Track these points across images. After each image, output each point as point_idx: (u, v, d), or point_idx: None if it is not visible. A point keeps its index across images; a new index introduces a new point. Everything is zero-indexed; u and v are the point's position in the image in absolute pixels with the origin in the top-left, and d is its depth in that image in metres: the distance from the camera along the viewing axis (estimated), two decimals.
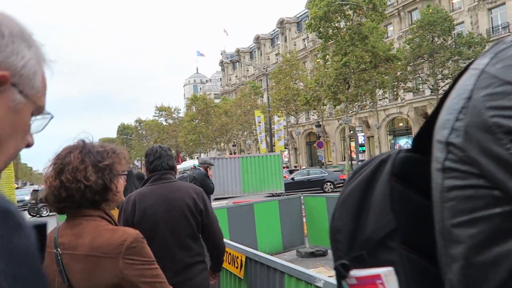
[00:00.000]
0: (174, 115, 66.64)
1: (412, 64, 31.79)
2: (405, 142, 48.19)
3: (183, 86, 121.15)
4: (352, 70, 24.90)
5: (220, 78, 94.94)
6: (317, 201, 6.49)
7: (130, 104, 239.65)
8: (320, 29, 25.43)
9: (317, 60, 33.21)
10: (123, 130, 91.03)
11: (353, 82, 26.01)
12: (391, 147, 49.02)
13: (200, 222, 2.54)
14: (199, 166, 6.13)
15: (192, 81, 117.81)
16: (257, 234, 6.00)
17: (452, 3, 38.84)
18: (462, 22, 36.33)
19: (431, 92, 34.18)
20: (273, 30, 70.47)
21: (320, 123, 29.51)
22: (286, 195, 12.12)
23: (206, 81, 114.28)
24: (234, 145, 53.46)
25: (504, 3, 34.49)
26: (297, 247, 6.54)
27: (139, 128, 77.86)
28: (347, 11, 25.00)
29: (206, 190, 5.63)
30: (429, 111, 41.77)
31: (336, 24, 25.73)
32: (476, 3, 36.15)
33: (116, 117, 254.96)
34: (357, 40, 24.49)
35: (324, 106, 33.45)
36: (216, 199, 11.33)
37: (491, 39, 31.83)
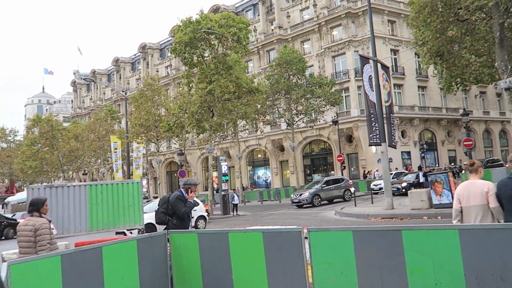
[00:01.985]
0: (9, 137, 56.93)
1: (271, 98, 33.69)
2: (263, 173, 50.62)
3: (25, 106, 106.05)
4: (217, 99, 24.77)
5: (72, 100, 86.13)
6: (187, 238, 5.35)
7: None
8: (185, 54, 24.84)
9: (181, 87, 32.44)
10: None
11: (217, 110, 25.88)
12: (250, 177, 50.85)
13: None
14: (182, 187, 6.07)
15: (37, 101, 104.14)
16: (105, 283, 4.51)
17: (304, 47, 43.20)
18: (312, 65, 40.53)
19: (287, 126, 36.59)
20: (135, 55, 67.69)
21: (183, 151, 28.41)
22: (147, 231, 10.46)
23: (54, 102, 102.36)
24: (85, 174, 47.96)
25: (344, 53, 39.79)
26: None
27: None
28: (213, 40, 25.09)
29: (175, 212, 5.87)
30: (285, 144, 45.14)
31: (201, 52, 25.51)
32: (323, 50, 40.90)
33: None
34: (222, 69, 24.61)
35: (187, 134, 32.59)
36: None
37: (336, 81, 36.07)
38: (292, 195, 28.01)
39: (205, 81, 24.84)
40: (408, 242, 3.52)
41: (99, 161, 51.72)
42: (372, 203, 21.40)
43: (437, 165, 40.52)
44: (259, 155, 50.74)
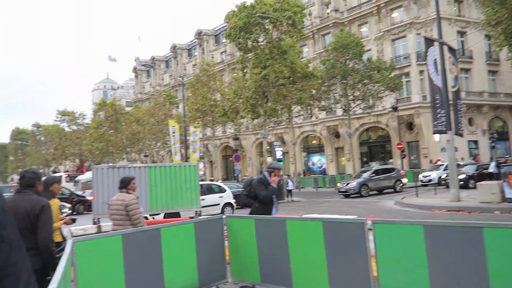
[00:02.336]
0: (79, 120, 60.97)
1: (326, 84, 32.81)
2: (318, 159, 49.88)
3: (92, 91, 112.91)
4: (271, 84, 24.55)
5: (133, 86, 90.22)
6: (244, 223, 5.27)
7: (29, 108, 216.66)
8: (240, 39, 24.78)
9: (236, 72, 32.57)
10: (18, 134, 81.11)
11: (271, 96, 25.70)
12: (305, 163, 50.37)
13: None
14: (266, 170, 5.85)
15: (102, 87, 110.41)
16: (164, 268, 4.57)
17: (361, 31, 41.44)
18: (369, 50, 38.80)
19: (344, 112, 35.57)
20: (191, 41, 69.02)
21: (238, 136, 28.65)
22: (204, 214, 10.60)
23: (118, 87, 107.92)
24: (146, 156, 50.24)
25: (405, 36, 37.63)
26: (217, 282, 5.22)
27: (37, 133, 69.81)
28: (267, 24, 24.75)
29: (256, 196, 5.60)
30: (341, 130, 44.02)
31: (256, 37, 25.31)
32: (382, 33, 38.97)
33: (10, 122, 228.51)
34: (276, 54, 24.28)
35: (242, 119, 32.81)
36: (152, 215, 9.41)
37: (396, 66, 34.29)
38: (338, 184, 27.07)
39: (259, 66, 24.68)
40: (490, 242, 3.11)
41: (159, 144, 53.91)
42: (436, 194, 20.28)
43: (508, 156, 37.47)
44: (314, 141, 50.02)
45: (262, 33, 25.00)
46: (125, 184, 5.43)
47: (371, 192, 24.66)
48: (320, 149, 49.02)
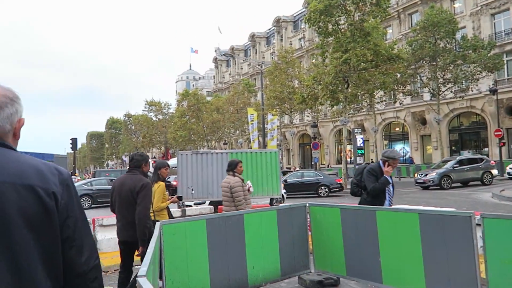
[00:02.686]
0: (164, 110, 64.81)
1: (413, 66, 30.52)
2: (401, 148, 47.15)
3: (176, 82, 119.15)
4: (352, 68, 23.48)
5: (214, 76, 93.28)
6: (329, 212, 4.98)
7: (120, 99, 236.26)
8: (320, 23, 23.97)
9: (316, 57, 31.73)
10: (112, 124, 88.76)
11: (352, 81, 24.61)
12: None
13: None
14: (380, 159, 5.32)
15: (185, 78, 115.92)
16: (247, 255, 4.48)
17: (454, 7, 37.78)
18: (464, 27, 35.25)
19: (432, 96, 32.96)
20: (269, 29, 69.07)
21: (316, 123, 28.06)
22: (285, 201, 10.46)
23: (199, 78, 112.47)
24: (225, 143, 51.84)
25: (508, 9, 33.49)
26: (300, 272, 5.02)
27: (128, 122, 75.70)
28: (349, 6, 23.58)
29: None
30: (427, 116, 40.91)
31: (337, 20, 24.30)
32: (479, 8, 35.14)
33: (106, 112, 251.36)
34: (358, 36, 23.09)
35: (321, 106, 32.03)
36: (196, 204, 9.67)
37: (497, 43, 30.76)
38: (416, 175, 24.82)
39: (340, 50, 23.71)
40: None
41: (237, 132, 55.20)
42: None
43: None
44: (397, 129, 47.36)
45: (343, 15, 23.92)
46: (232, 167, 5.59)
47: (453, 185, 22.39)
48: (403, 137, 46.26)
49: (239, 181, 5.54)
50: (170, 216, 5.43)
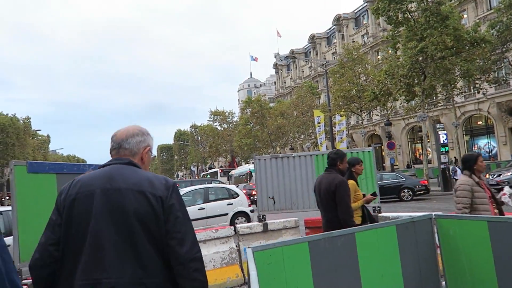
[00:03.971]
0: (228, 119, 65.44)
1: (498, 51, 27.17)
2: (485, 143, 42.65)
3: (237, 92, 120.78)
4: (430, 57, 21.26)
5: (275, 82, 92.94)
6: (467, 226, 3.70)
7: (186, 112, 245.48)
8: (390, 12, 22.11)
9: (386, 49, 29.55)
10: (180, 136, 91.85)
11: (430, 72, 22.31)
12: (468, 148, 43.56)
13: None
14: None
15: (246, 86, 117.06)
16: (362, 280, 3.39)
17: None
18: None
19: None
20: (329, 29, 67.18)
21: (389, 121, 25.93)
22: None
23: (260, 85, 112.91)
24: (291, 149, 50.75)
25: None
26: None
27: (194, 133, 77.68)
28: None
29: None
30: None
31: (408, 7, 22.25)
32: None
33: (173, 125, 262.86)
34: (435, 22, 20.85)
35: (395, 102, 29.71)
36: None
37: None
38: (488, 175, 20.69)
39: (414, 39, 21.62)
40: None
41: (302, 136, 53.88)
42: None
43: None
44: (480, 122, 42.99)
45: (415, 1, 21.84)
46: (469, 164, 4.48)
47: None
48: (488, 131, 41.83)
49: (466, 183, 4.34)
50: (365, 218, 4.70)
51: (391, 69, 22.89)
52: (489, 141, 42.18)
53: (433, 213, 3.91)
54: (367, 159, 7.55)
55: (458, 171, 22.37)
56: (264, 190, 7.20)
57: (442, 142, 22.52)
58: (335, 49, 62.88)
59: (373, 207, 6.95)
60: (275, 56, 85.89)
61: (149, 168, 1.98)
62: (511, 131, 39.13)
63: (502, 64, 29.89)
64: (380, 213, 5.68)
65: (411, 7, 22.65)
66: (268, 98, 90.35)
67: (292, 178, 7.19)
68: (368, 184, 7.34)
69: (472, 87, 34.96)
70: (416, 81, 22.22)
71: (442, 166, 22.46)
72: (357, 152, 7.70)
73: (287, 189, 7.24)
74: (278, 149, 56.63)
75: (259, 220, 6.76)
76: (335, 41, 64.15)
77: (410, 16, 22.60)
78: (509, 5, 25.39)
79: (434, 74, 22.24)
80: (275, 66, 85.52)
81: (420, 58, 21.31)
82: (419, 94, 23.37)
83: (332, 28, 65.24)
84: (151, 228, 1.72)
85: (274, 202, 7.08)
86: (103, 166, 1.87)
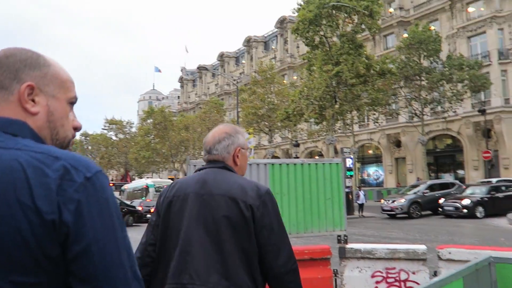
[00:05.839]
0: (126, 129, 60.63)
1: (395, 86, 29.35)
2: (374, 171, 46.00)
3: (137, 102, 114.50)
4: (343, 82, 21.69)
5: (178, 96, 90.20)
6: None
7: (81, 121, 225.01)
8: (309, 33, 22.18)
9: (301, 70, 29.86)
10: None
11: (341, 97, 22.81)
12: (359, 174, 46.58)
13: None
14: None
15: (148, 97, 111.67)
16: None
17: (430, 29, 37.80)
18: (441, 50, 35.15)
19: (415, 116, 31.84)
20: (239, 49, 67.67)
21: (298, 142, 25.87)
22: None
23: (162, 98, 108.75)
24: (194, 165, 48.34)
25: (484, 32, 33.63)
26: None
27: (84, 142, 70.41)
28: (340, 14, 21.95)
29: None
30: (403, 138, 40.14)
31: (327, 31, 22.63)
32: (455, 31, 35.17)
33: None
34: (350, 48, 21.44)
35: (305, 123, 29.93)
36: None
37: (484, 64, 30.35)
38: (382, 201, 22.36)
39: (330, 62, 21.93)
40: None
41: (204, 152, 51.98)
42: None
43: None
44: (370, 151, 46.30)
45: (332, 26, 22.28)
46: None
47: (423, 212, 20.14)
48: (377, 160, 45.21)
49: None
50: None
51: (306, 90, 22.86)
52: (377, 169, 45.55)
53: (491, 256, 2.61)
54: (334, 174, 6.10)
55: (361, 195, 22.91)
56: None
57: (348, 166, 22.89)
58: (243, 69, 63.28)
59: (338, 236, 5.61)
60: (182, 70, 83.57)
61: (246, 168, 1.93)
62: (396, 161, 42.82)
63: (397, 99, 32.43)
64: (346, 243, 4.34)
65: (327, 32, 23.08)
66: (169, 111, 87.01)
67: None
68: (334, 208, 5.80)
69: (367, 117, 37.48)
70: (330, 104, 22.46)
71: (346, 190, 22.71)
72: (323, 163, 6.22)
73: None
74: (176, 164, 53.88)
75: None
76: (244, 61, 64.67)
77: (326, 40, 22.98)
78: (409, 45, 27.70)
79: (345, 99, 22.74)
80: (181, 80, 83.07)
81: (334, 83, 21.59)
82: (329, 118, 23.68)
83: (242, 48, 65.78)
84: (241, 237, 1.67)
85: None
86: (199, 170, 1.88)
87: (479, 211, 18.20)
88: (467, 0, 34.45)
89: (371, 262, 4.09)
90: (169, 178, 47.46)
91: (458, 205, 18.46)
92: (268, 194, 1.71)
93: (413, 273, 3.97)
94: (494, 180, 23.55)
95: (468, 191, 20.02)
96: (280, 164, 5.76)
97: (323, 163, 6.09)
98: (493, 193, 19.04)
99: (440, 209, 19.49)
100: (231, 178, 1.77)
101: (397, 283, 3.96)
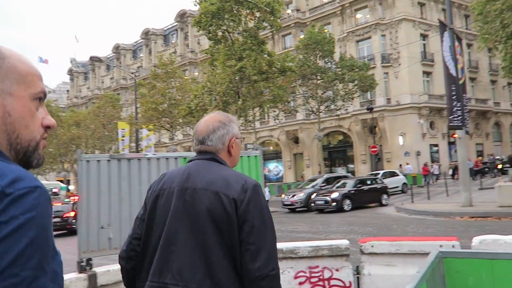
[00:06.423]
0: None
1: (293, 85, 30.50)
2: (274, 166, 47.58)
3: None
4: (246, 78, 21.67)
5: (67, 90, 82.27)
6: (471, 266, 2.35)
7: None
8: (211, 27, 21.67)
9: (202, 66, 29.14)
10: None
11: (244, 93, 22.80)
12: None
13: None
14: None
15: None
16: None
17: (324, 31, 40.21)
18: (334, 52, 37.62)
19: (312, 113, 33.50)
20: (136, 41, 64.16)
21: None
22: None
23: (49, 91, 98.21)
24: None
25: (370, 37, 36.87)
26: None
27: None
28: (243, 9, 21.82)
29: None
30: (301, 135, 42.15)
31: (229, 25, 22.35)
32: (346, 34, 37.95)
33: None
34: (253, 44, 21.51)
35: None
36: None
37: (371, 66, 33.06)
38: (283, 195, 22.91)
39: (233, 58, 21.72)
40: None
41: (98, 152, 48.27)
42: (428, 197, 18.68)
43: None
44: (271, 147, 47.75)
45: (235, 21, 22.06)
46: None
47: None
48: (277, 156, 46.83)
49: None
50: None
51: (209, 84, 22.33)
52: (277, 165, 47.18)
53: (439, 250, 2.43)
54: (253, 166, 5.70)
55: (267, 191, 23.22)
56: (93, 214, 4.12)
57: None
58: (141, 63, 60.23)
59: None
60: (71, 61, 76.36)
61: (238, 158, 1.81)
62: (295, 157, 44.85)
63: (296, 97, 33.81)
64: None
65: (230, 27, 22.83)
66: (57, 106, 79.01)
67: (144, 194, 4.62)
68: None
69: (267, 115, 38.46)
70: (233, 100, 22.27)
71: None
72: (242, 156, 5.71)
73: (134, 212, 4.40)
74: (66, 165, 48.97)
75: (81, 269, 3.78)
76: (142, 55, 61.57)
77: (228, 35, 22.73)
78: (306, 45, 28.94)
79: (248, 95, 22.78)
80: (70, 72, 75.89)
81: (237, 78, 21.46)
82: (233, 114, 23.47)
83: (140, 41, 62.52)
84: (225, 233, 1.55)
85: (111, 237, 4.14)
86: (190, 161, 1.77)
87: (347, 204, 18.43)
88: (356, 7, 37.39)
89: (293, 262, 3.77)
90: (57, 180, 43.00)
91: (328, 198, 18.54)
92: (255, 188, 1.59)
93: (337, 270, 3.74)
94: (381, 172, 25.81)
95: (338, 184, 20.34)
96: (186, 158, 5.12)
97: (242, 156, 5.70)
98: (360, 186, 19.46)
99: (312, 204, 19.44)
100: (217, 171, 1.66)
101: (321, 283, 3.70)
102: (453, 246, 3.53)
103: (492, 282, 2.08)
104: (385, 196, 19.89)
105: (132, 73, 29.26)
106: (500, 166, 31.79)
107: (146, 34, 59.74)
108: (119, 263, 1.76)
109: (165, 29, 59.51)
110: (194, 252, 1.55)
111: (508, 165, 30.04)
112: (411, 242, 3.70)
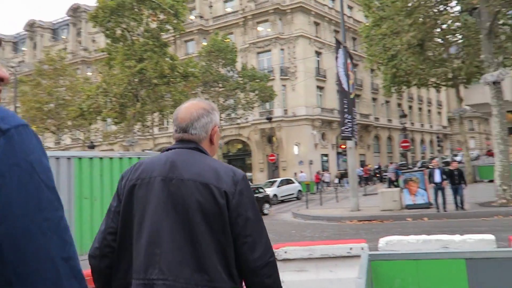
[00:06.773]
0: None
1: (194, 91, 30.11)
2: None
3: None
4: (146, 81, 20.66)
5: None
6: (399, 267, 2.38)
7: None
8: (109, 24, 20.23)
9: (98, 64, 27.00)
10: None
11: (143, 96, 21.72)
12: None
13: None
14: None
15: None
16: None
17: (227, 40, 40.71)
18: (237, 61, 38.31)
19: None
20: (18, 33, 57.34)
21: (94, 144, 23.23)
22: None
23: None
24: None
25: (270, 50, 38.43)
26: None
27: None
28: (145, 8, 20.83)
29: None
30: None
31: (129, 24, 21.14)
32: (247, 45, 38.97)
33: None
34: (156, 46, 20.63)
35: (102, 122, 27.15)
36: None
37: (270, 77, 34.23)
38: None
39: (133, 58, 20.56)
40: None
41: None
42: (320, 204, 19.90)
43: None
44: None
45: (137, 19, 20.95)
46: None
47: None
48: None
49: None
50: None
51: (105, 84, 20.75)
52: None
53: (368, 253, 2.39)
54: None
55: None
56: None
57: None
58: (24, 57, 53.90)
59: None
60: None
61: (217, 149, 1.73)
62: None
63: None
64: None
65: (130, 26, 21.62)
66: None
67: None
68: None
69: (167, 121, 37.35)
70: (131, 103, 21.02)
71: None
72: (129, 158, 5.06)
73: None
74: None
75: None
76: (25, 48, 55.15)
77: (128, 35, 21.49)
78: (209, 52, 28.87)
79: (148, 98, 21.76)
80: None
81: (137, 80, 20.35)
82: (129, 118, 22.19)
83: (23, 33, 55.99)
84: (215, 227, 1.50)
85: None
86: (167, 150, 1.64)
87: None
88: (257, 19, 38.67)
89: None
90: None
91: None
92: (244, 180, 1.56)
93: None
94: (278, 179, 26.73)
95: None
96: (90, 158, 4.44)
97: (130, 158, 5.19)
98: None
99: None
100: (204, 161, 1.57)
101: None
102: (362, 248, 3.60)
103: (417, 283, 2.10)
104: (266, 205, 20.36)
105: (12, 68, 25.84)
106: (379, 175, 35.48)
107: (31, 26, 53.81)
108: (90, 264, 1.58)
109: (55, 22, 54.36)
110: (183, 247, 1.47)
111: (386, 174, 33.65)
112: (324, 246, 3.72)
